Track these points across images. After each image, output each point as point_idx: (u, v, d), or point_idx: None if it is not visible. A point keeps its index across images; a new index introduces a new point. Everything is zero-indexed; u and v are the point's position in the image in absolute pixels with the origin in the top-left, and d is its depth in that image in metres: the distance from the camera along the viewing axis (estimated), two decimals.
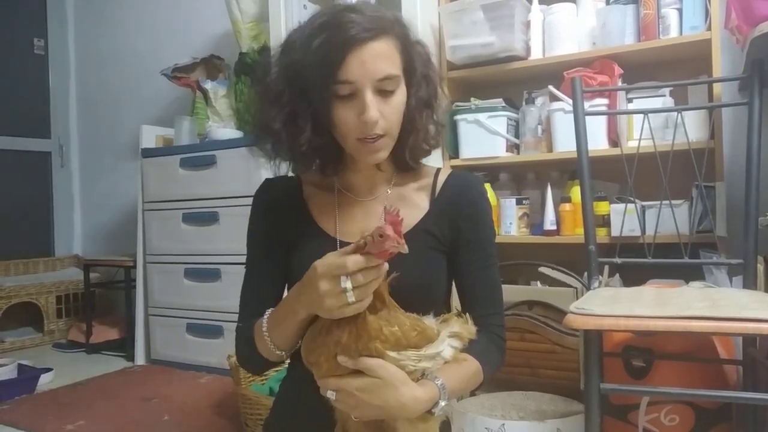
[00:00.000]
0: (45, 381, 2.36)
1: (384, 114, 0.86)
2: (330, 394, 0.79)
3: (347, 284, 0.73)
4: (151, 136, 2.80)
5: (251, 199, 1.04)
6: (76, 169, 3.73)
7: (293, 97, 0.88)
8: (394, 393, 0.77)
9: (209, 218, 2.42)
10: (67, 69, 3.69)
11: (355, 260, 0.73)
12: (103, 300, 3.35)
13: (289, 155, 0.95)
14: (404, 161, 0.98)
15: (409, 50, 0.90)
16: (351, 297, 0.73)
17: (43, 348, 3.05)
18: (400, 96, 0.89)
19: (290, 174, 1.05)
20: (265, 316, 0.89)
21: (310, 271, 0.77)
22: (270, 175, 1.06)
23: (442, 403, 0.82)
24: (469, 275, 0.99)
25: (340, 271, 0.73)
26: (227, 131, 2.51)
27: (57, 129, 3.66)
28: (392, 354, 0.79)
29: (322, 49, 0.82)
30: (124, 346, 2.82)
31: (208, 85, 2.69)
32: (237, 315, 1.02)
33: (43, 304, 3.12)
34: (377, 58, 0.83)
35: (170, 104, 3.18)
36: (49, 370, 2.43)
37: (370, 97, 0.84)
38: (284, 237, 0.98)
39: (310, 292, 0.77)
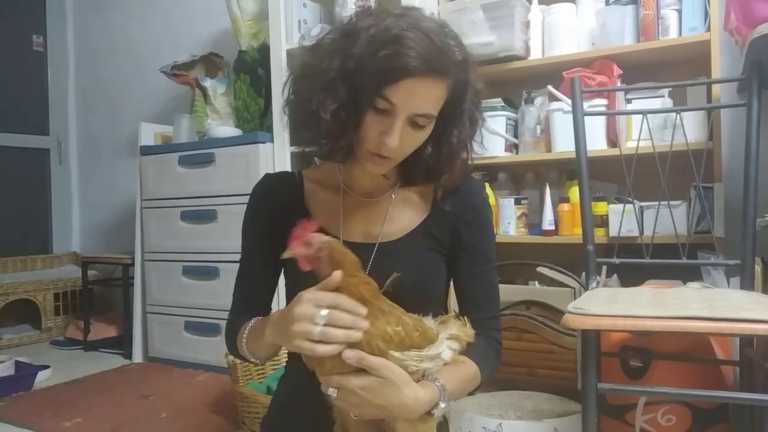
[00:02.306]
0: (42, 378, 2.36)
1: (403, 142, 0.86)
2: (331, 392, 0.79)
3: (319, 320, 0.75)
4: (149, 134, 2.80)
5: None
6: (75, 166, 3.72)
7: (344, 92, 0.86)
8: (397, 393, 0.77)
9: (208, 216, 2.42)
10: (66, 66, 3.68)
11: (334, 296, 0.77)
12: (101, 297, 3.35)
13: (327, 151, 0.91)
14: (414, 178, 0.99)
15: (462, 93, 0.90)
16: (317, 330, 0.75)
17: (41, 345, 3.05)
18: (426, 133, 0.89)
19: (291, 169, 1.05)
20: (249, 324, 0.92)
21: (294, 299, 0.79)
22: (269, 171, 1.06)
23: (443, 405, 0.82)
24: (468, 279, 0.99)
25: (323, 301, 0.76)
26: (226, 129, 2.51)
27: (55, 126, 3.65)
28: (396, 354, 0.79)
29: (382, 63, 0.81)
30: (121, 344, 2.82)
31: (207, 83, 2.68)
32: (230, 308, 1.05)
33: (41, 302, 3.11)
34: (426, 96, 0.84)
35: (169, 102, 3.17)
36: (46, 367, 2.43)
37: (399, 125, 0.84)
38: (280, 236, 0.98)
39: (284, 317, 0.80)
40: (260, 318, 0.94)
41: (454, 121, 0.91)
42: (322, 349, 0.75)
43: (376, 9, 0.90)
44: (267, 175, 1.05)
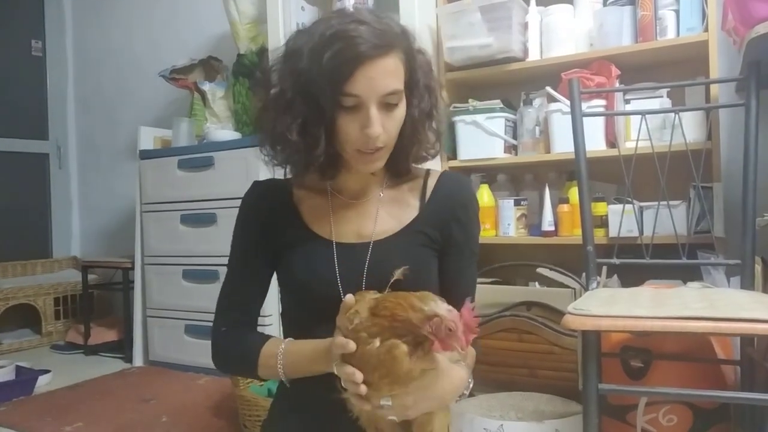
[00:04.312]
0: (43, 383, 2.36)
1: (385, 127, 0.87)
2: (385, 401, 0.76)
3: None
4: (149, 138, 2.80)
5: None
6: (74, 170, 3.72)
7: (305, 106, 0.87)
8: (449, 379, 0.78)
9: (207, 219, 2.42)
10: (65, 70, 3.69)
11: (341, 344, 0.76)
12: (101, 301, 3.35)
13: (303, 165, 0.93)
14: (399, 167, 0.99)
15: (413, 62, 0.90)
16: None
17: (41, 350, 3.05)
18: (402, 109, 0.90)
19: (280, 177, 1.04)
20: (282, 348, 0.91)
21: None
22: (269, 176, 1.06)
23: (471, 382, 0.84)
24: (456, 273, 1.00)
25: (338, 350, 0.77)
26: (225, 133, 2.51)
27: (55, 130, 3.65)
28: None
29: (332, 62, 0.82)
30: (122, 348, 2.82)
31: (206, 87, 2.69)
32: (217, 318, 1.04)
33: (41, 306, 3.11)
34: (385, 75, 0.84)
35: (168, 106, 3.18)
36: (47, 371, 2.43)
37: (374, 112, 0.84)
38: (274, 242, 0.98)
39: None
40: (291, 340, 0.93)
41: (413, 92, 0.92)
42: (366, 407, 0.77)
43: (306, 25, 0.92)
44: (256, 183, 1.04)
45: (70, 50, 3.70)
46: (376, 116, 0.84)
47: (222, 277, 2.60)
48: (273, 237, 0.98)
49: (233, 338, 0.99)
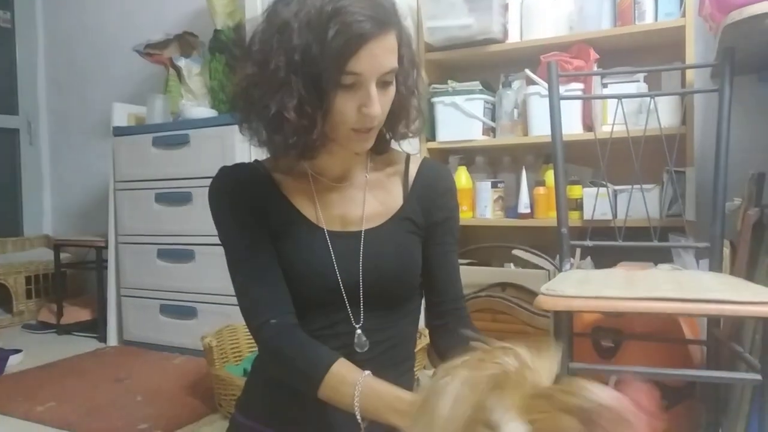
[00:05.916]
0: (14, 362, 2.33)
1: (382, 106, 0.85)
2: None
3: None
4: (122, 114, 2.74)
5: None
6: (46, 146, 3.63)
7: (301, 85, 0.82)
8: None
9: (182, 198, 2.39)
10: (35, 43, 3.57)
11: None
12: (75, 281, 3.30)
13: (301, 148, 0.87)
14: (382, 145, 0.97)
15: (402, 38, 0.88)
16: None
17: (13, 329, 3.00)
18: (394, 87, 0.88)
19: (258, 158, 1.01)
20: (359, 385, 0.79)
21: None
22: (245, 153, 1.03)
23: None
24: (441, 260, 1.00)
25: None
26: (201, 110, 2.47)
27: (25, 105, 3.55)
28: None
29: (337, 40, 0.78)
30: (95, 327, 2.79)
31: (182, 63, 2.63)
32: (256, 316, 0.90)
33: (12, 285, 3.05)
34: (386, 52, 0.82)
35: (143, 81, 3.10)
36: (18, 351, 2.40)
37: (374, 90, 0.82)
38: (266, 223, 0.93)
39: None
40: (370, 375, 0.81)
41: (401, 69, 0.89)
42: None
43: None
44: (226, 168, 0.96)
45: (41, 21, 3.58)
46: (376, 95, 0.82)
47: (197, 257, 2.55)
48: (264, 219, 0.93)
49: (292, 340, 0.88)
